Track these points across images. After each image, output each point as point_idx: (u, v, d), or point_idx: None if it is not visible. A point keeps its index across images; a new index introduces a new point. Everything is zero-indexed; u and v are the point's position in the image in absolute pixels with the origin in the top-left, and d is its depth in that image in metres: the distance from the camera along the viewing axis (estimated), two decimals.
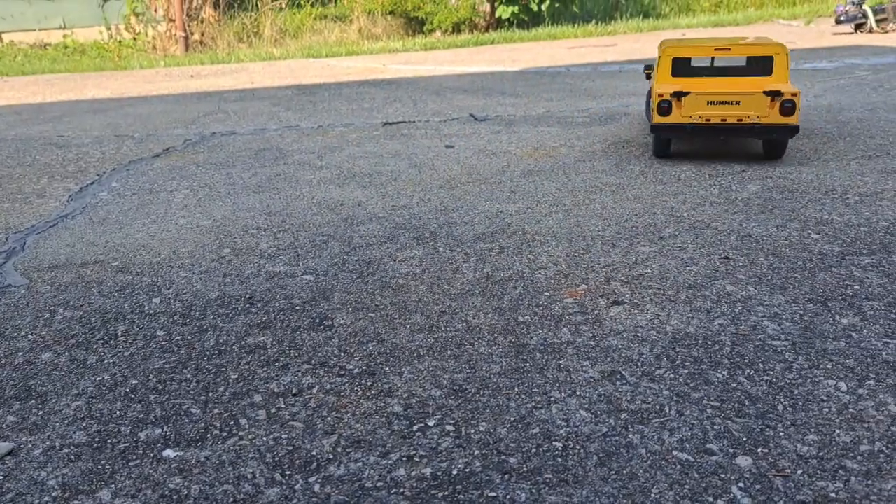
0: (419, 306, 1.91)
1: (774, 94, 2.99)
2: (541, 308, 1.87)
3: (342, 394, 1.53)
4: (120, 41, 10.93)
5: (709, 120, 3.06)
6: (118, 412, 1.50)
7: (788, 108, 2.99)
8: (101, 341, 1.81)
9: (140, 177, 3.32)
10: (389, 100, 5.20)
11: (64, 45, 10.85)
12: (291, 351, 1.72)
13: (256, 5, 11.12)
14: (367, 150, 3.72)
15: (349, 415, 1.45)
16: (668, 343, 1.67)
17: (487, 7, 10.75)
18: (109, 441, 1.41)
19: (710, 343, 1.67)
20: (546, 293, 1.95)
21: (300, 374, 1.61)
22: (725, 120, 3.05)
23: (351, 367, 1.64)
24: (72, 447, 1.39)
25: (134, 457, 1.36)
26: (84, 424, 1.47)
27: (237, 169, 3.41)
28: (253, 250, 2.38)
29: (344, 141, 3.96)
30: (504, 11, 10.27)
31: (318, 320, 1.87)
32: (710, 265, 2.09)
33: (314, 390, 1.55)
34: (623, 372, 1.56)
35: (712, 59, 3.54)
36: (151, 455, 1.35)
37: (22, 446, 1.40)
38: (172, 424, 1.45)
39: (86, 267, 2.28)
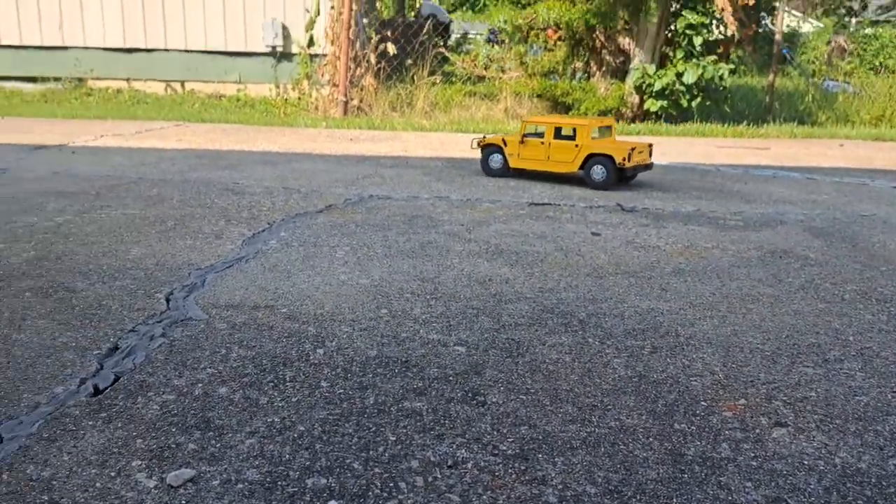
0: (570, 396, 1.92)
1: None
2: (698, 418, 1.82)
3: (496, 474, 1.55)
4: (286, 99, 11.86)
5: None
6: (287, 456, 1.60)
7: None
8: (271, 384, 1.94)
9: (305, 230, 3.56)
10: (535, 181, 5.31)
11: (237, 98, 11.90)
12: (446, 421, 1.77)
13: (413, 79, 11.77)
14: (514, 229, 3.80)
15: (504, 497, 1.47)
16: (837, 476, 1.58)
17: (636, 99, 10.83)
18: (279, 483, 1.50)
19: (884, 484, 1.56)
20: (703, 402, 1.91)
21: (455, 447, 1.65)
22: None
23: (504, 447, 1.66)
24: (246, 483, 1.50)
25: (301, 503, 1.43)
26: (257, 463, 1.57)
27: (392, 233, 3.59)
28: (408, 314, 2.48)
29: (491, 216, 4.07)
30: (653, 105, 10.31)
31: (470, 394, 1.92)
32: (881, 398, 1.97)
33: (469, 465, 1.58)
34: (790, 501, 1.49)
35: None
36: None
37: (202, 475, 1.52)
38: (336, 476, 1.52)
39: (258, 310, 2.46)
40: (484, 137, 5.47)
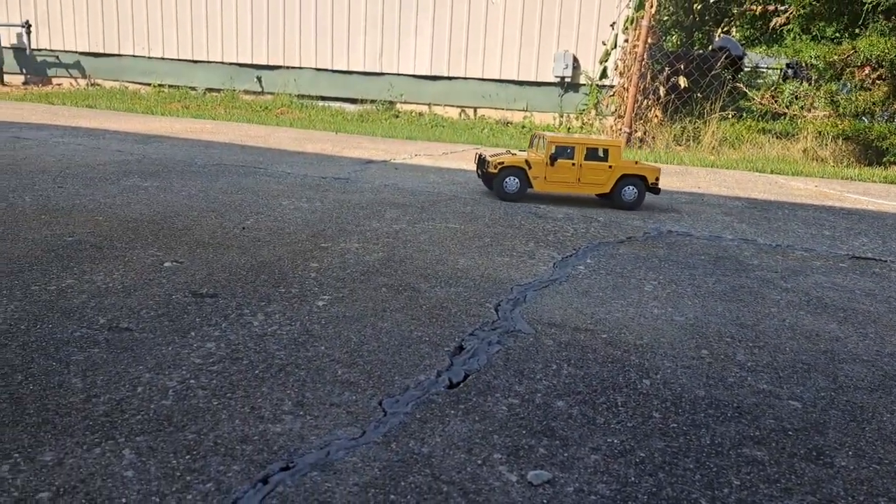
0: None
1: None
2: None
3: None
4: (568, 129, 12.13)
5: None
6: (633, 478, 1.66)
7: None
8: (604, 405, 2.02)
9: (609, 259, 3.63)
10: (853, 231, 4.84)
11: (522, 125, 12.44)
12: (792, 476, 1.71)
13: (701, 113, 11.37)
14: (836, 283, 3.51)
15: None
16: None
17: None
18: (629, 503, 1.56)
19: None
20: None
21: None
22: None
23: None
24: (597, 496, 1.58)
25: None
26: (605, 479, 1.65)
27: (699, 272, 3.51)
28: (731, 359, 2.42)
29: (807, 266, 3.80)
30: None
31: (814, 453, 1.82)
32: None
33: None
34: None
35: None
36: None
37: (556, 479, 1.64)
38: None
39: (579, 332, 2.58)
40: (492, 157, 5.16)
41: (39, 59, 13.52)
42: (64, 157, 5.51)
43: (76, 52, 13.34)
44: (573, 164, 5.03)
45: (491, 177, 5.10)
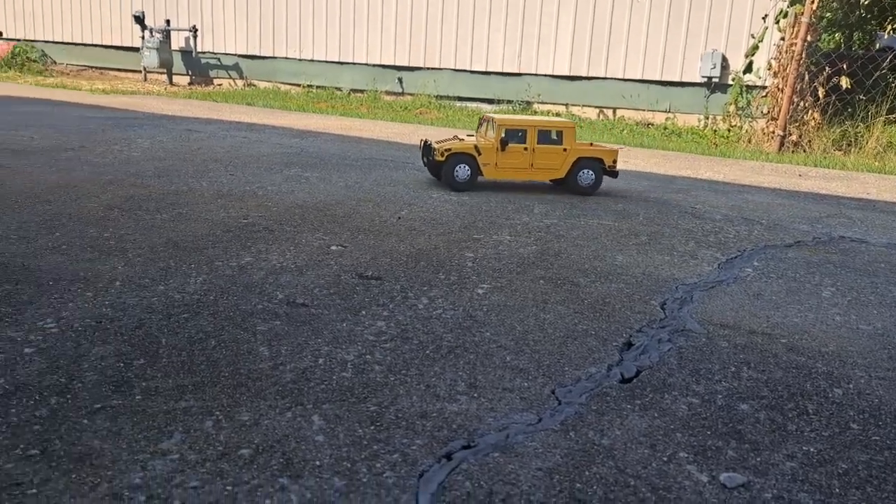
0: None
1: None
2: None
3: None
4: (714, 130, 11.59)
5: None
6: (837, 489, 1.52)
7: None
8: (794, 412, 1.88)
9: (778, 263, 3.40)
10: None
11: (664, 127, 12.01)
12: None
13: (865, 117, 10.50)
14: None
15: None
16: None
17: None
18: None
19: None
20: None
21: None
22: None
23: None
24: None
25: None
26: (806, 488, 1.53)
27: (881, 280, 3.22)
28: None
29: None
30: None
31: None
32: None
33: None
34: None
35: None
36: None
37: (752, 483, 1.53)
38: None
39: (754, 335, 2.42)
40: (439, 144, 4.70)
41: (203, 61, 14.57)
42: (231, 148, 5.89)
43: (235, 54, 14.28)
44: (525, 149, 4.64)
45: (438, 165, 4.68)
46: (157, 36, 14.02)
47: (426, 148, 4.82)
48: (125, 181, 4.28)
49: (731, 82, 11.41)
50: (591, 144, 4.96)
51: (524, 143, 4.64)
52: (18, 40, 15.78)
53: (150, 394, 1.74)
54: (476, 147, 4.64)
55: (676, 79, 11.77)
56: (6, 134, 5.90)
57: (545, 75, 12.22)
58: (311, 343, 2.11)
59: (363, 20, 13.36)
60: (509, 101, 12.33)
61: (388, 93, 13.32)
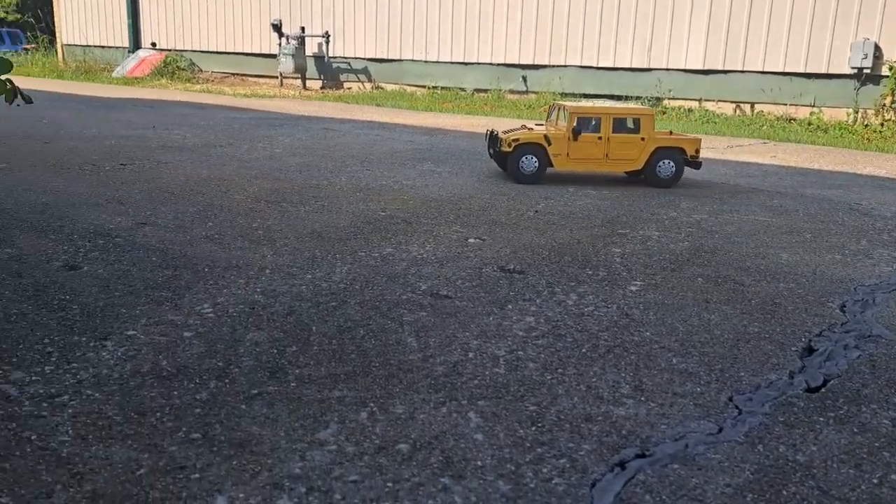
0: None
1: None
2: None
3: None
4: (866, 125, 10.65)
5: None
6: None
7: None
8: None
9: None
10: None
11: (808, 122, 11.16)
12: None
13: None
14: None
15: None
16: None
17: None
18: None
19: None
20: None
21: None
22: None
23: None
24: None
25: None
26: None
27: None
28: None
29: None
30: None
31: None
32: None
33: None
34: None
35: None
36: None
37: None
38: None
39: None
40: (506, 134, 4.33)
41: (334, 65, 15.05)
42: (366, 145, 5.97)
43: (364, 58, 14.65)
44: (599, 139, 4.27)
45: (504, 156, 4.39)
46: (293, 42, 14.61)
47: (492, 138, 4.53)
48: (270, 175, 4.41)
49: (885, 73, 10.45)
50: (671, 133, 4.64)
51: (598, 132, 4.32)
52: (170, 50, 16.95)
53: (303, 381, 1.71)
54: (546, 137, 4.34)
55: (822, 70, 10.91)
56: (162, 133, 6.28)
57: (677, 69, 11.68)
58: (459, 336, 2.02)
59: (488, 19, 13.32)
60: (637, 98, 11.88)
61: (511, 91, 13.20)
